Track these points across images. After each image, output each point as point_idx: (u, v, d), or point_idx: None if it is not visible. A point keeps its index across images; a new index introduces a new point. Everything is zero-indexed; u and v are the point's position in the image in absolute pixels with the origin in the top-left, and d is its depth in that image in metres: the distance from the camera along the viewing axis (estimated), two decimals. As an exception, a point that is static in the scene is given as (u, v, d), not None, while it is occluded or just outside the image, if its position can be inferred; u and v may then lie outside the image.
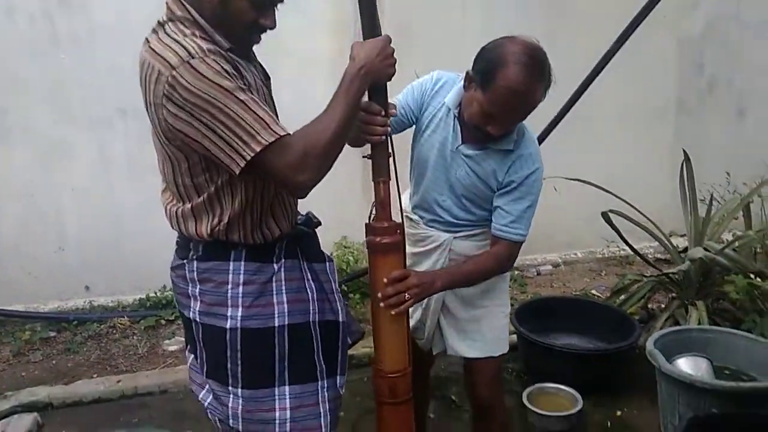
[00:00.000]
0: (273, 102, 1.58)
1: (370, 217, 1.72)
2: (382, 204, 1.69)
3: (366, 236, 1.70)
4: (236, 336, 1.53)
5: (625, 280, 3.51)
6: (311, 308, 1.60)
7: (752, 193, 3.40)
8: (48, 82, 3.73)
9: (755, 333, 2.67)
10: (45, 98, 3.75)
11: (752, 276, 3.08)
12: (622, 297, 3.46)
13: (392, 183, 1.71)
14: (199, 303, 1.57)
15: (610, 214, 3.34)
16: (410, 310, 1.89)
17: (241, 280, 1.53)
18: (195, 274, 1.56)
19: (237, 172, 1.37)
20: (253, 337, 1.54)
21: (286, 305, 1.55)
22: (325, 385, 1.62)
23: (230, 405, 1.57)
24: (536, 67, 1.66)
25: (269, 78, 1.62)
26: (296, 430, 1.57)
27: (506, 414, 2.17)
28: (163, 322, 3.88)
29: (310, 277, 1.62)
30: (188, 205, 1.52)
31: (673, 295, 3.38)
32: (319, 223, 1.73)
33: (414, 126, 1.99)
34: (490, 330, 2.04)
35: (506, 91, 1.66)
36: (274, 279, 1.56)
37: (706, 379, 2.47)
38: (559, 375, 2.95)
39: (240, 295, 1.53)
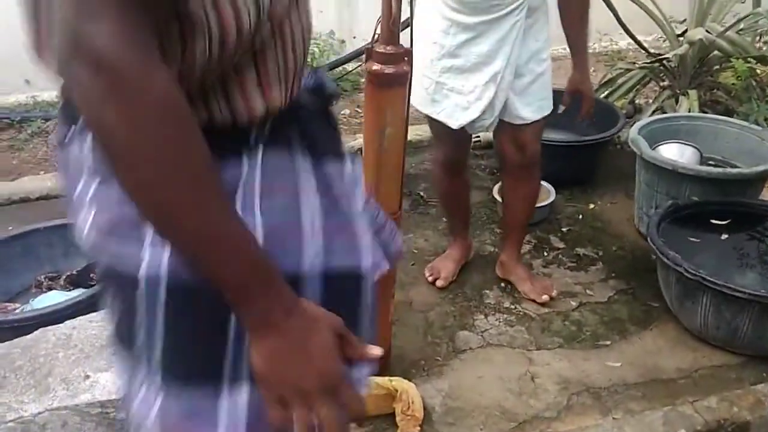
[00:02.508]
0: None
1: (373, 38, 1.45)
2: (392, 22, 1.40)
3: (366, 62, 1.45)
4: (154, 294, 0.74)
5: (614, 70, 3.21)
6: (304, 247, 0.80)
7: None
8: None
9: (750, 120, 2.45)
10: None
11: (752, 61, 2.79)
12: (610, 89, 3.18)
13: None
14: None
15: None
16: (477, 93, 1.84)
17: None
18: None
19: None
20: (181, 300, 0.75)
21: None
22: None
23: None
24: None
25: None
26: None
27: None
28: (114, 119, 3.60)
29: (313, 187, 0.82)
30: None
31: (665, 83, 3.11)
32: (336, 95, 0.94)
33: None
34: (549, 84, 1.96)
35: None
36: (242, 186, 0.76)
37: (690, 165, 2.29)
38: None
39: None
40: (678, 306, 1.99)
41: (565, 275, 2.33)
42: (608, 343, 2.01)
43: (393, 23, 1.42)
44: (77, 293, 1.98)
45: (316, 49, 3.69)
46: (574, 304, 2.18)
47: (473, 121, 1.90)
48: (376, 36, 1.45)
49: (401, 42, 1.48)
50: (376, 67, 1.45)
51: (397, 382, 1.75)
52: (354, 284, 0.87)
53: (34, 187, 2.99)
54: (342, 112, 3.66)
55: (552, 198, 2.65)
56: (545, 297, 2.16)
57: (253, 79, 0.74)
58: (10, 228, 2.64)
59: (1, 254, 2.15)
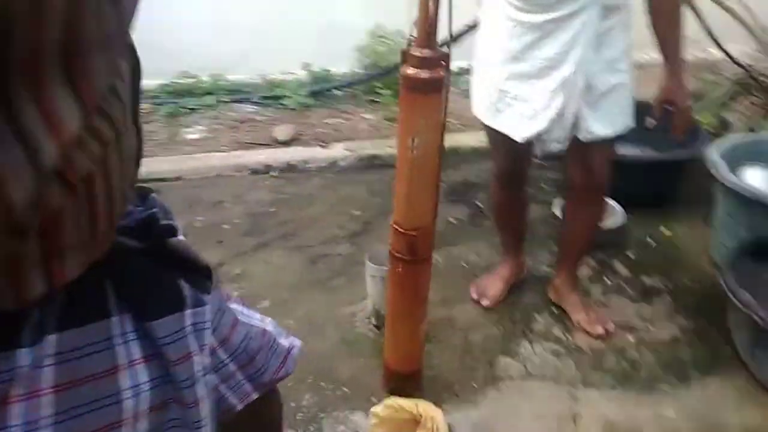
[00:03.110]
0: None
1: (409, 41, 1.37)
2: (429, 24, 1.31)
3: (401, 66, 1.37)
4: None
5: (702, 82, 2.94)
6: None
7: None
8: None
9: None
10: None
11: None
12: (696, 102, 2.92)
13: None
14: None
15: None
16: (544, 101, 1.66)
17: None
18: None
19: None
20: None
21: None
22: None
23: None
24: None
25: None
26: None
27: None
28: (184, 110, 3.67)
29: (137, 356, 0.67)
30: None
31: (758, 99, 2.82)
32: (173, 231, 0.73)
33: None
34: (627, 99, 1.74)
35: None
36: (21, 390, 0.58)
37: (778, 196, 2.04)
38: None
39: None
40: (749, 354, 1.77)
41: (625, 306, 2.14)
42: (665, 388, 1.81)
43: (429, 25, 1.31)
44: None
45: (382, 49, 3.61)
46: (632, 339, 1.99)
47: (541, 135, 1.73)
48: (412, 38, 1.35)
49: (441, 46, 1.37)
50: (410, 71, 1.35)
51: (424, 407, 1.65)
52: None
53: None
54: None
55: (621, 220, 2.46)
56: (600, 330, 1.99)
57: (36, 254, 0.51)
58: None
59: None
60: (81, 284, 0.59)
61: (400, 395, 1.76)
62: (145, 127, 3.53)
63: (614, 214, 2.50)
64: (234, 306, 0.94)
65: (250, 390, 0.93)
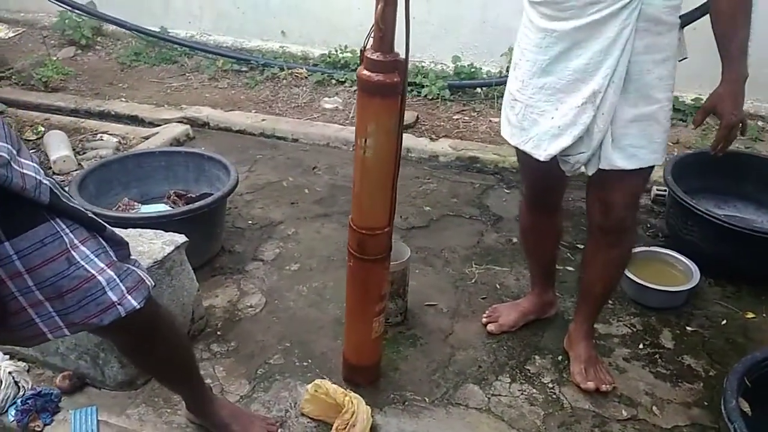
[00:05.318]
0: None
1: (365, 44, 1.38)
2: (383, 26, 1.32)
3: (359, 67, 1.40)
4: None
5: None
6: None
7: None
8: None
9: None
10: None
11: None
12: None
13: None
14: None
15: None
16: (571, 116, 1.53)
17: None
18: None
19: None
20: None
21: None
22: None
23: None
24: None
25: None
26: None
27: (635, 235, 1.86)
28: (333, 81, 3.91)
29: None
30: None
31: None
32: None
33: None
34: (658, 133, 1.56)
35: None
36: None
37: None
38: (703, 250, 2.23)
39: None
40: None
41: (643, 379, 1.86)
42: (625, 476, 1.57)
43: (380, 29, 1.30)
44: (165, 210, 2.27)
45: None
46: (625, 413, 1.74)
47: (567, 153, 1.57)
48: (369, 41, 1.35)
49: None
50: (364, 73, 1.36)
51: (351, 399, 1.65)
52: None
53: (236, 121, 3.46)
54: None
55: (693, 283, 2.13)
56: (590, 385, 1.78)
57: None
58: (202, 147, 3.09)
59: (150, 164, 2.55)
60: None
61: (353, 384, 1.78)
62: (293, 90, 3.87)
63: (686, 275, 2.17)
64: (81, 248, 1.07)
65: (60, 324, 1.09)
